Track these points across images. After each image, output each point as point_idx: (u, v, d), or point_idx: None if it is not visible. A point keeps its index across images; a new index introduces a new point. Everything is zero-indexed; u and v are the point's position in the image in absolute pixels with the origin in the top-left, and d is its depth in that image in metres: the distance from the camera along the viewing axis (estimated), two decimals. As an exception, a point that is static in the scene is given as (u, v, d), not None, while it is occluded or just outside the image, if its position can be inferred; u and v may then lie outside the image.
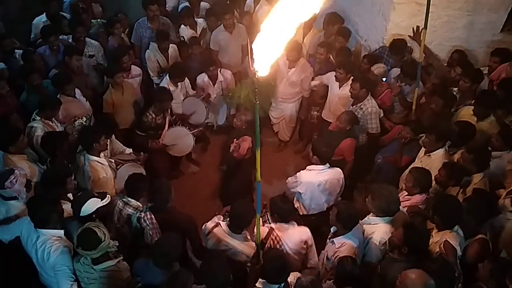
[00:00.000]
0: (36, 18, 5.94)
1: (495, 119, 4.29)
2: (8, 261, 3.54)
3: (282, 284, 3.00)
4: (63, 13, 6.19)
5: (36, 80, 4.68)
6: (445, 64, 5.26)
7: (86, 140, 4.00)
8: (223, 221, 3.50)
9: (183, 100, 5.39)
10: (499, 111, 4.35)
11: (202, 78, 5.54)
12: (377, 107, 4.75)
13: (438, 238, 3.26)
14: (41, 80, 4.76)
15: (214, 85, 5.56)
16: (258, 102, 2.74)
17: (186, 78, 5.45)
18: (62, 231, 3.24)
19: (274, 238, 3.49)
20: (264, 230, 3.48)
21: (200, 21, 6.25)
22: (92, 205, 3.25)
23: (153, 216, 3.53)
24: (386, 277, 3.11)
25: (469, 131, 4.03)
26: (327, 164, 4.03)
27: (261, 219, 3.53)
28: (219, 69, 5.55)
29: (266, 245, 3.46)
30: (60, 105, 4.43)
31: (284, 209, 3.48)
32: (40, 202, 3.20)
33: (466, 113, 4.44)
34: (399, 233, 3.10)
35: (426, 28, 4.35)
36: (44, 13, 5.92)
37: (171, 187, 3.63)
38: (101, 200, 3.31)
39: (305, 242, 3.52)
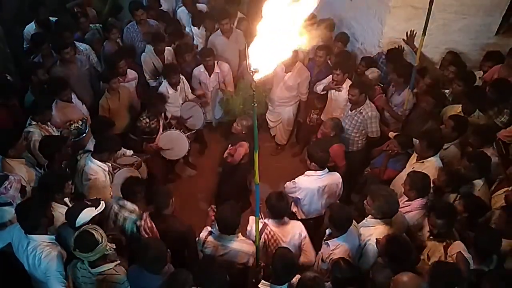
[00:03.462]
0: (26, 27, 5.93)
1: (480, 114, 4.37)
2: (1, 268, 3.50)
3: (286, 285, 2.99)
4: (52, 18, 6.17)
5: (41, 76, 4.77)
6: (438, 67, 5.29)
7: (101, 145, 4.00)
8: (212, 225, 3.48)
9: (182, 104, 5.39)
10: (491, 111, 4.39)
11: (199, 69, 5.55)
12: (377, 111, 4.75)
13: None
14: (45, 74, 4.84)
15: (210, 76, 5.55)
16: (256, 105, 2.73)
17: (186, 82, 5.46)
18: (53, 236, 3.22)
19: (268, 233, 3.49)
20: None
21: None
22: (87, 215, 3.21)
23: (153, 224, 3.50)
24: (375, 281, 3.13)
25: (462, 124, 4.10)
26: (326, 169, 4.02)
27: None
28: (216, 61, 5.54)
29: (261, 241, 3.44)
30: (50, 109, 4.43)
31: (278, 207, 3.47)
32: (28, 208, 3.16)
33: (452, 111, 4.49)
34: (383, 243, 3.10)
35: (425, 35, 4.32)
36: (34, 21, 5.90)
37: (170, 192, 3.61)
38: (95, 208, 3.27)
39: (299, 235, 3.52)
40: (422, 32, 4.31)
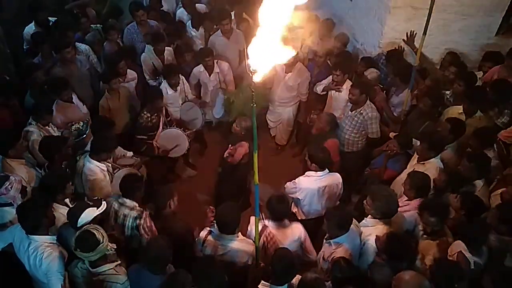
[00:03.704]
0: (26, 28, 5.94)
1: (482, 114, 4.37)
2: (2, 268, 3.50)
3: (286, 285, 2.99)
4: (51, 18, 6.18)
5: (39, 78, 4.74)
6: (438, 67, 5.29)
7: (99, 144, 4.00)
8: (212, 225, 3.49)
9: (182, 104, 5.39)
10: (491, 112, 4.39)
11: (199, 69, 5.56)
12: (377, 111, 4.74)
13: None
14: (43, 76, 4.82)
15: (210, 75, 5.56)
16: (255, 105, 2.73)
17: (186, 82, 5.46)
18: (54, 237, 3.22)
19: (267, 235, 3.49)
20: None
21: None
22: (88, 215, 3.21)
23: (152, 224, 3.51)
24: (374, 280, 3.13)
25: (459, 127, 4.10)
26: (326, 170, 4.02)
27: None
28: (215, 60, 5.54)
29: (260, 242, 3.43)
30: (51, 112, 4.43)
31: (278, 209, 3.47)
32: (29, 208, 3.16)
33: (454, 112, 4.49)
34: (382, 240, 3.11)
35: (425, 34, 4.32)
36: (33, 22, 5.91)
37: (172, 192, 3.61)
38: (97, 208, 3.28)
39: (299, 238, 3.52)
40: (422, 32, 4.30)
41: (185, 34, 6.16)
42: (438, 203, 3.43)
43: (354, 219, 3.45)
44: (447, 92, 4.84)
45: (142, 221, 3.53)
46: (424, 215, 3.36)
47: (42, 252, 3.09)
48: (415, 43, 5.07)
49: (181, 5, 6.68)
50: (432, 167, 3.91)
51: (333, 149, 4.57)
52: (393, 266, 3.05)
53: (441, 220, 3.32)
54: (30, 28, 5.89)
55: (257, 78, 2.49)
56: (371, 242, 3.33)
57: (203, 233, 3.49)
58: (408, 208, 3.65)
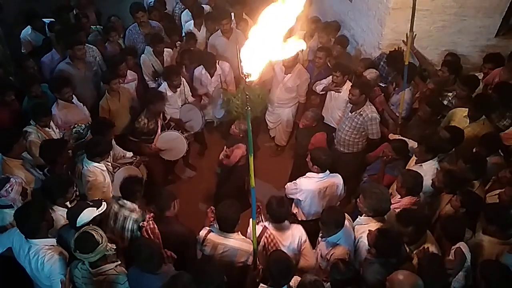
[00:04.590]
0: (22, 32, 5.95)
1: (486, 120, 4.35)
2: (2, 273, 3.50)
3: (286, 287, 2.99)
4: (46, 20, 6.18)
5: (36, 91, 4.73)
6: (439, 68, 5.31)
7: (92, 149, 3.99)
8: (211, 225, 3.51)
9: (181, 106, 5.39)
10: (493, 115, 4.39)
11: (200, 71, 5.55)
12: (377, 112, 4.72)
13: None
14: (40, 90, 4.80)
15: (212, 77, 5.56)
16: (249, 108, 2.74)
17: (186, 84, 5.46)
18: (54, 240, 3.21)
19: (268, 236, 3.49)
20: (257, 229, 3.46)
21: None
22: (87, 215, 3.22)
23: (155, 226, 3.51)
24: (365, 277, 3.15)
25: (457, 136, 4.09)
26: (327, 172, 4.02)
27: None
28: (217, 61, 5.54)
29: (260, 244, 3.45)
30: (50, 113, 4.43)
31: (278, 212, 3.47)
32: (27, 213, 3.13)
33: (459, 114, 4.48)
34: (373, 234, 3.12)
35: (412, 31, 4.34)
36: (29, 26, 5.93)
37: (174, 195, 3.61)
38: (96, 209, 3.28)
39: (299, 239, 3.53)
40: (409, 29, 4.31)
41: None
42: (408, 212, 3.38)
43: (346, 214, 3.46)
44: (449, 94, 4.82)
45: (145, 224, 3.53)
46: (398, 227, 3.31)
47: (43, 256, 3.08)
48: (414, 44, 5.07)
49: (184, 7, 6.66)
50: (429, 169, 3.91)
51: (321, 141, 4.65)
52: (383, 263, 3.06)
53: (416, 229, 3.26)
54: (26, 32, 5.92)
55: (251, 80, 2.51)
56: (364, 240, 3.33)
57: (202, 232, 3.49)
58: (398, 206, 3.66)
